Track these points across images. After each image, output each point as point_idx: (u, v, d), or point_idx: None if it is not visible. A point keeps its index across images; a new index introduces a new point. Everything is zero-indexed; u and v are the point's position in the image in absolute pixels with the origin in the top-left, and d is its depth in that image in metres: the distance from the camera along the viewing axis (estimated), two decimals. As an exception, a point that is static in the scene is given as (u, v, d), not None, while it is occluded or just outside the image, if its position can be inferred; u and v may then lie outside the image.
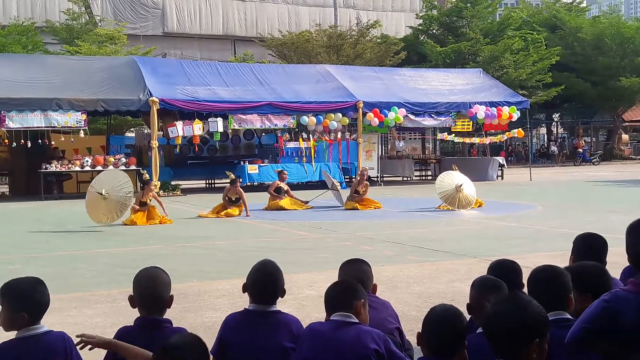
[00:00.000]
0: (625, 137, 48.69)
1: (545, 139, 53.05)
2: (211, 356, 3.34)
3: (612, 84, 42.68)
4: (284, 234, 11.97)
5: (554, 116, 46.82)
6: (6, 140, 20.37)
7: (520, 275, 3.69)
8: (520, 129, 25.60)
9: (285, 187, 16.72)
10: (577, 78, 43.05)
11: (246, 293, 3.49)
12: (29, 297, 3.09)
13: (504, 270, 3.63)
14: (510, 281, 3.43)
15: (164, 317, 3.35)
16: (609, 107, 46.66)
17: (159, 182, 21.10)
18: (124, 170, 21.31)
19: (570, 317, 3.06)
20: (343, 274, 3.80)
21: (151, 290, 3.32)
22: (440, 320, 2.88)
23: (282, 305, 6.01)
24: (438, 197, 15.21)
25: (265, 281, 3.43)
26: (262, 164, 23.29)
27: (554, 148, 46.75)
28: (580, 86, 43.33)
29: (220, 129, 22.07)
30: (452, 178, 15.25)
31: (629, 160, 45.72)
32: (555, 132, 50.25)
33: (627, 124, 49.46)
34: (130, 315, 3.66)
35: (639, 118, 49.37)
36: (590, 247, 3.94)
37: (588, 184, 24.03)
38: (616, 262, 4.48)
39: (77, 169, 21.17)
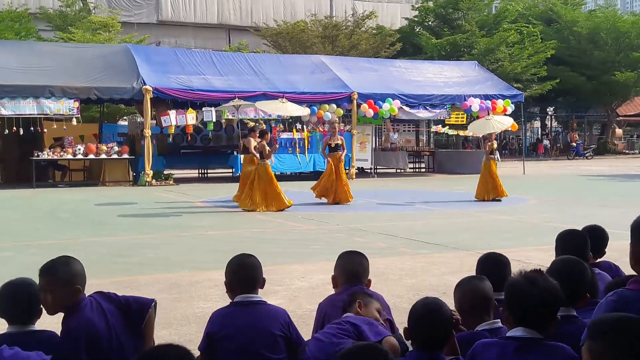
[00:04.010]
0: (619, 131, 48.79)
1: (540, 133, 53.10)
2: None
3: (606, 79, 42.68)
4: (277, 225, 11.93)
5: (548, 110, 46.82)
6: (-2, 128, 20.25)
7: (508, 267, 3.71)
8: (514, 122, 25.52)
9: (264, 142, 14.10)
10: (572, 72, 43.03)
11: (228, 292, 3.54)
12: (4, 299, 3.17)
13: (492, 262, 3.67)
14: (498, 274, 3.45)
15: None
16: (603, 102, 46.70)
17: (151, 172, 21.04)
18: (116, 158, 21.41)
19: (577, 315, 3.09)
20: (340, 264, 3.82)
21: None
22: (421, 315, 2.89)
23: (274, 295, 6.02)
24: (469, 130, 19.28)
25: (245, 271, 3.47)
26: (255, 154, 23.17)
27: (545, 142, 46.77)
28: (575, 80, 43.31)
29: (214, 119, 21.96)
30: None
31: (623, 155, 45.84)
32: (549, 125, 50.27)
33: (621, 118, 49.53)
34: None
35: (633, 112, 49.45)
36: (571, 243, 3.97)
37: (581, 178, 24.07)
38: (609, 256, 4.48)
39: (70, 156, 21.08)
